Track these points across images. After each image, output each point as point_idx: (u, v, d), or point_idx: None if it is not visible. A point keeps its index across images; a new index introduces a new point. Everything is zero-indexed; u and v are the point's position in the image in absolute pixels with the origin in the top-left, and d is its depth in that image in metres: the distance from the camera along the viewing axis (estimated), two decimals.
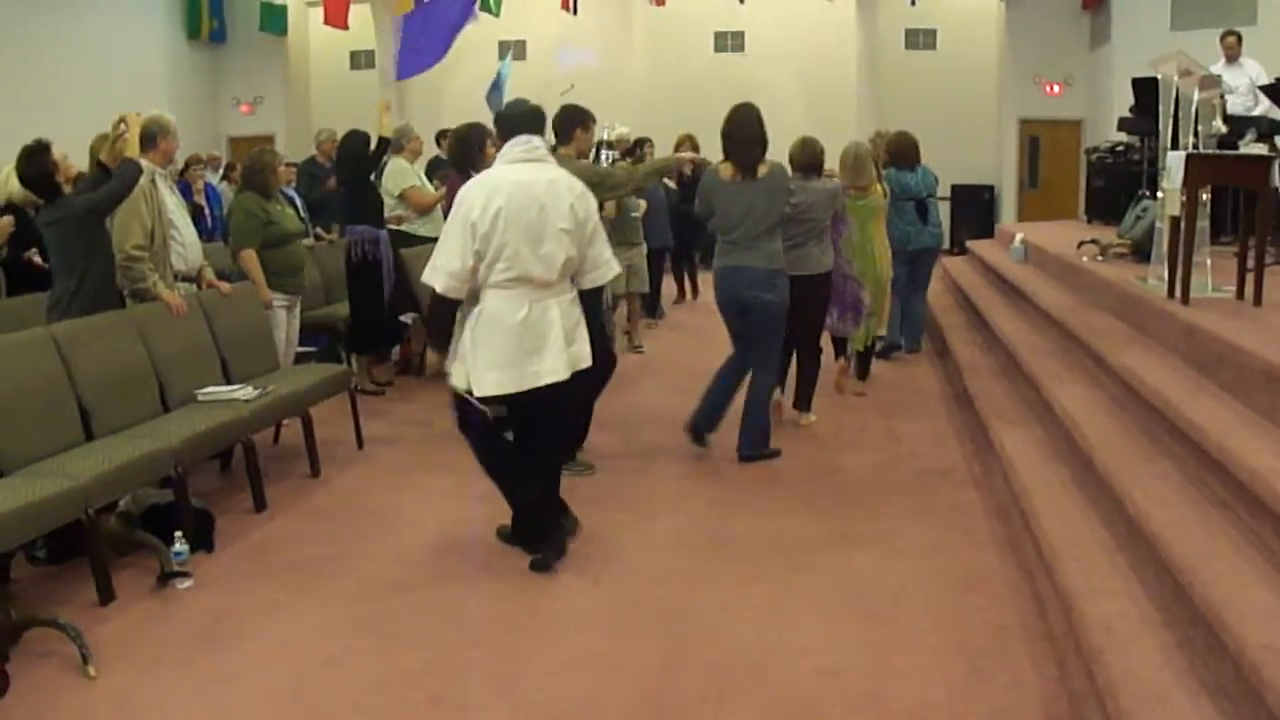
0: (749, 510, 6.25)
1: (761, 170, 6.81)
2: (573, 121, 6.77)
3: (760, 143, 6.82)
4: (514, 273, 5.14)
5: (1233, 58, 10.79)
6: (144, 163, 6.83)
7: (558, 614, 4.95)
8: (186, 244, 7.31)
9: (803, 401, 8.00)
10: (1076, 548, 4.65)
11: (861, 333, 8.55)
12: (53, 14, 16.91)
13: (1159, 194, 7.40)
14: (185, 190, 12.09)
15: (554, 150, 6.23)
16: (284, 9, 19.92)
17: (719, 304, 7.15)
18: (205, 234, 11.45)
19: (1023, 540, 5.33)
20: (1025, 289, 9.51)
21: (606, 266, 5.56)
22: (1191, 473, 4.69)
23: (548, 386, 5.25)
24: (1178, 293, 6.42)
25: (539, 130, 5.46)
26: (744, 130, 6.82)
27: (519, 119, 5.42)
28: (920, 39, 20.78)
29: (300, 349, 8.72)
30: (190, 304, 6.99)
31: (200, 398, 6.60)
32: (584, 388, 5.81)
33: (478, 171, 5.82)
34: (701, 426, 7.20)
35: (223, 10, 20.82)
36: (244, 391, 6.67)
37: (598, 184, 6.10)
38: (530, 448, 5.59)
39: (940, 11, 20.12)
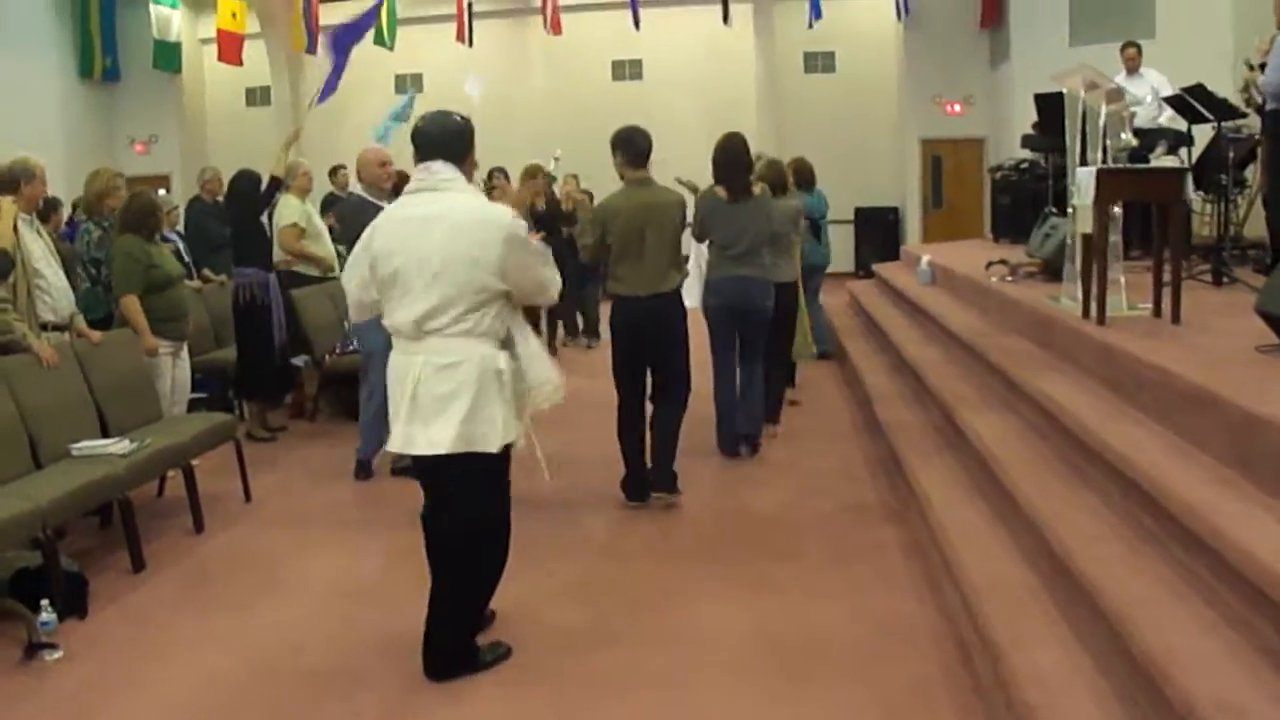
0: (650, 555, 5.95)
1: (755, 191, 7.55)
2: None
3: (749, 168, 7.61)
4: (389, 319, 4.45)
5: (1133, 69, 10.74)
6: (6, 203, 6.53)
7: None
8: (54, 292, 6.88)
9: (771, 411, 8.25)
10: (1001, 590, 4.38)
11: (800, 341, 8.79)
12: None
13: (1068, 210, 7.24)
14: (72, 234, 11.63)
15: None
16: (178, 46, 19.50)
17: (716, 309, 7.56)
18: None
19: (943, 582, 5.06)
20: (933, 312, 9.34)
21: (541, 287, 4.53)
22: (1118, 505, 4.46)
23: (421, 459, 4.47)
24: (1093, 312, 6.23)
25: (451, 155, 4.44)
26: (735, 158, 7.49)
27: (428, 139, 4.47)
28: (819, 62, 20.85)
29: (193, 395, 8.33)
30: (63, 354, 6.58)
31: (74, 453, 6.20)
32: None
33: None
34: (735, 442, 7.78)
35: (116, 48, 20.50)
36: (119, 445, 6.28)
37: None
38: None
39: (838, 34, 20.09)
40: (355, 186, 11.58)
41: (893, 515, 6.38)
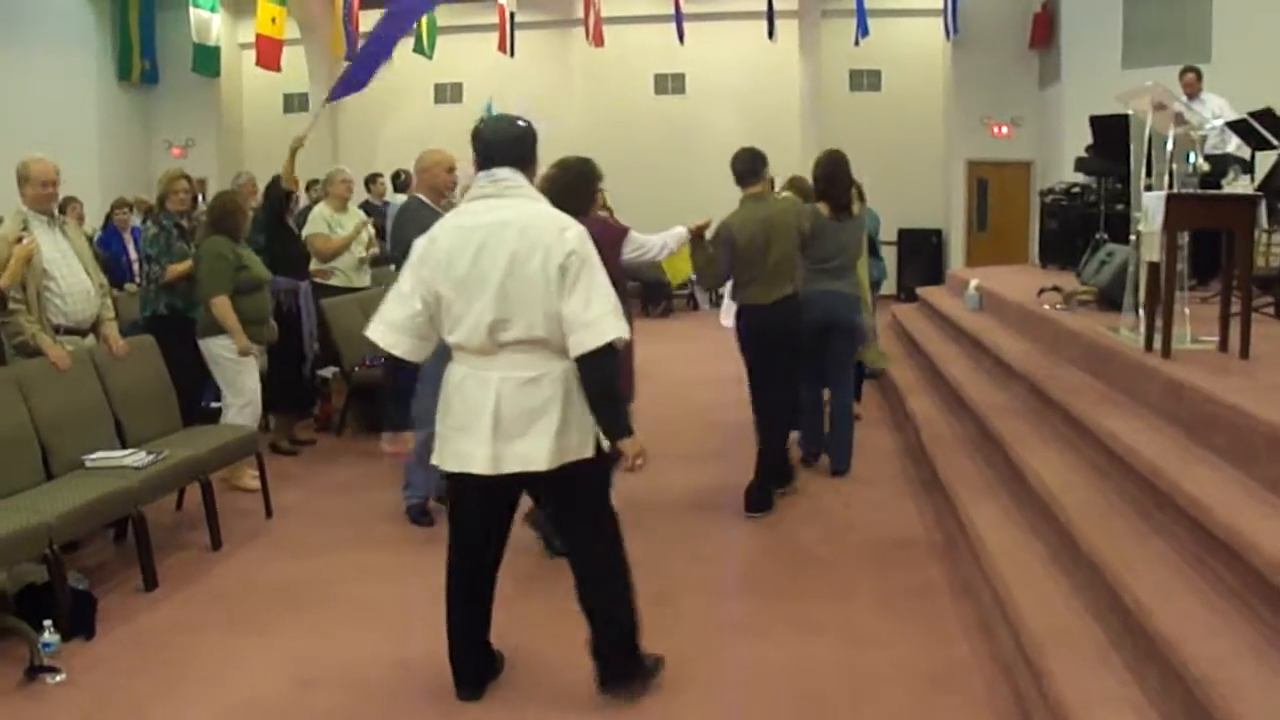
0: (691, 589, 5.62)
1: (855, 209, 7.55)
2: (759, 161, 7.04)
3: (850, 184, 7.50)
4: (451, 337, 4.17)
5: (1193, 95, 10.39)
6: (22, 207, 6.46)
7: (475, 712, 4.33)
8: (66, 294, 6.62)
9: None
10: (1064, 643, 4.06)
11: (874, 351, 8.67)
12: None
13: (1131, 237, 6.92)
14: (113, 235, 11.48)
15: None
16: (217, 51, 19.41)
17: (806, 325, 7.19)
18: (127, 279, 10.88)
19: (997, 627, 4.73)
20: (983, 339, 9.00)
21: (585, 330, 4.02)
22: (1191, 554, 4.14)
23: (479, 477, 4.14)
24: (1157, 344, 5.91)
25: (517, 159, 4.21)
26: (839, 176, 7.48)
27: (490, 145, 4.21)
28: (865, 80, 20.55)
29: (217, 404, 8.06)
30: (82, 360, 6.39)
31: (88, 464, 5.99)
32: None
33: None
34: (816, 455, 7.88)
35: (154, 52, 20.64)
36: (135, 458, 6.06)
37: None
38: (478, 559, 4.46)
39: (885, 52, 19.80)
40: (383, 194, 11.39)
41: (942, 553, 6.05)
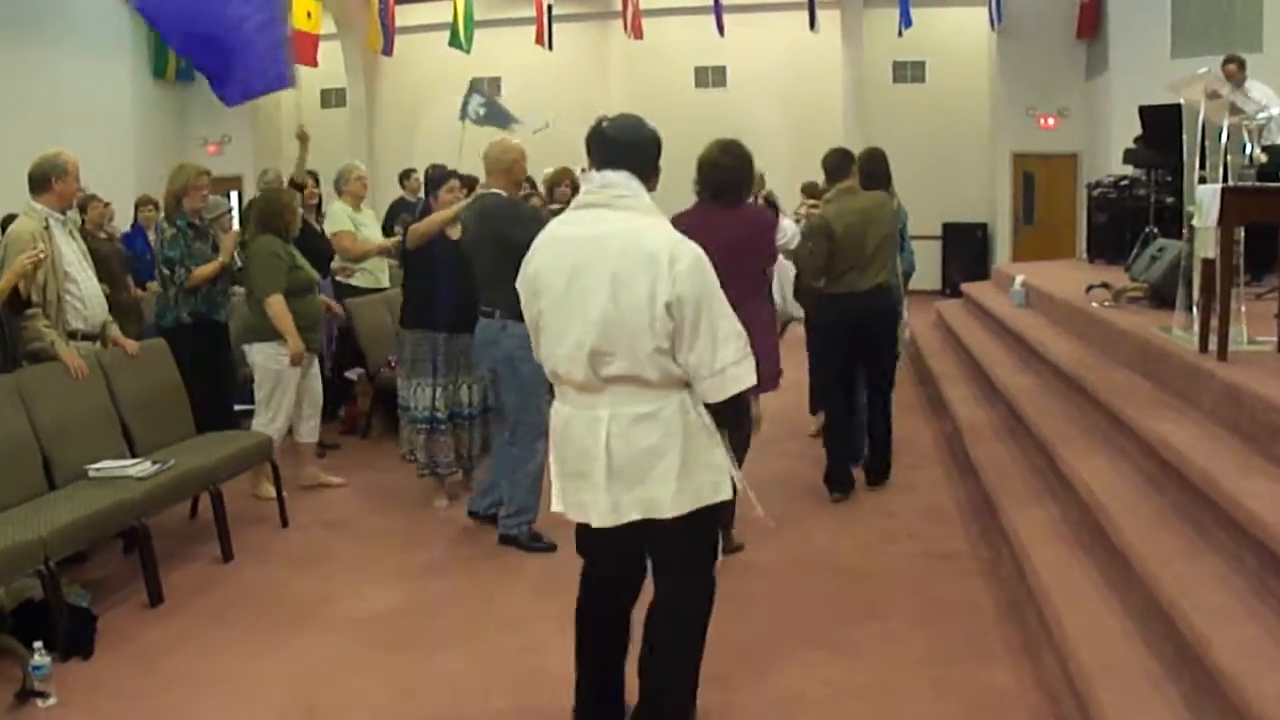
0: (721, 608, 5.30)
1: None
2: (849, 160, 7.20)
3: (889, 182, 7.48)
4: (549, 363, 3.72)
5: (1236, 85, 9.99)
6: (37, 206, 6.22)
7: None
8: (86, 298, 6.46)
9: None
10: (1115, 672, 3.75)
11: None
12: (20, 50, 16.83)
13: (1184, 231, 6.58)
14: (138, 234, 11.28)
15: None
16: None
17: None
18: (149, 277, 10.70)
19: (1043, 652, 4.42)
20: (1029, 338, 8.66)
21: (712, 381, 3.54)
22: (1253, 576, 3.81)
23: (606, 532, 3.69)
24: (1212, 345, 5.56)
25: (635, 165, 3.68)
26: (880, 174, 7.41)
27: (606, 146, 3.72)
28: (909, 71, 20.19)
29: (242, 407, 7.89)
30: (89, 366, 6.17)
31: (91, 474, 5.78)
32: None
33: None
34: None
35: None
36: (139, 467, 5.85)
37: None
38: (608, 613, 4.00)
39: (929, 43, 19.43)
40: (417, 190, 11.13)
41: (985, 567, 5.74)
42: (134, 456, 6.13)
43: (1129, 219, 11.25)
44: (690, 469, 3.58)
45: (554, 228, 3.75)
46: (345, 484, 7.57)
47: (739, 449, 4.81)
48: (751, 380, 3.58)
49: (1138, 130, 11.39)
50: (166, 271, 7.33)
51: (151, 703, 4.52)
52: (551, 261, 3.63)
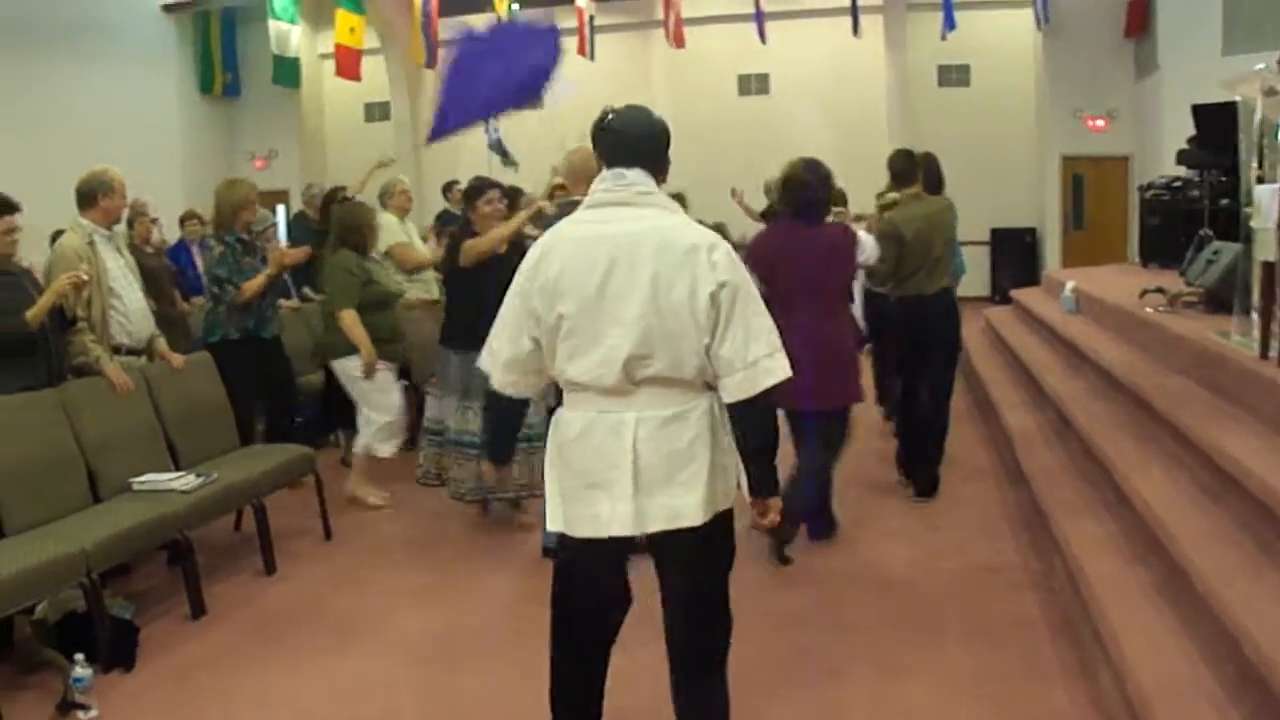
0: (765, 622, 5.16)
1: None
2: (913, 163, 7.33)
3: (941, 186, 7.60)
4: (569, 372, 3.47)
5: None
6: (83, 222, 6.28)
7: None
8: (130, 313, 6.49)
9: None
10: (1175, 694, 3.62)
11: None
12: (68, 65, 17.37)
13: (1241, 233, 6.42)
14: (181, 248, 11.30)
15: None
16: (297, 62, 19.37)
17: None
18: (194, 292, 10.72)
19: (1100, 671, 4.29)
20: (1080, 344, 8.49)
21: (747, 373, 3.37)
22: None
23: (614, 540, 3.48)
24: (1273, 352, 5.40)
25: (649, 160, 3.51)
26: (935, 173, 7.54)
27: (619, 140, 3.52)
28: (953, 75, 20.00)
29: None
30: (134, 380, 6.20)
31: (135, 487, 5.80)
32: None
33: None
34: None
35: (236, 64, 20.95)
36: (182, 481, 5.86)
37: None
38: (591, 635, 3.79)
39: (973, 45, 19.22)
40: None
41: (1037, 581, 5.59)
42: (178, 470, 6.13)
43: (1183, 221, 10.99)
44: (714, 475, 3.43)
45: (565, 229, 3.51)
46: (388, 505, 7.52)
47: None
48: (784, 374, 3.39)
49: (1190, 130, 11.18)
50: (216, 290, 7.32)
51: (190, 716, 4.51)
52: (577, 264, 3.38)
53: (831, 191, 6.26)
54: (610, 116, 3.53)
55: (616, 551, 3.55)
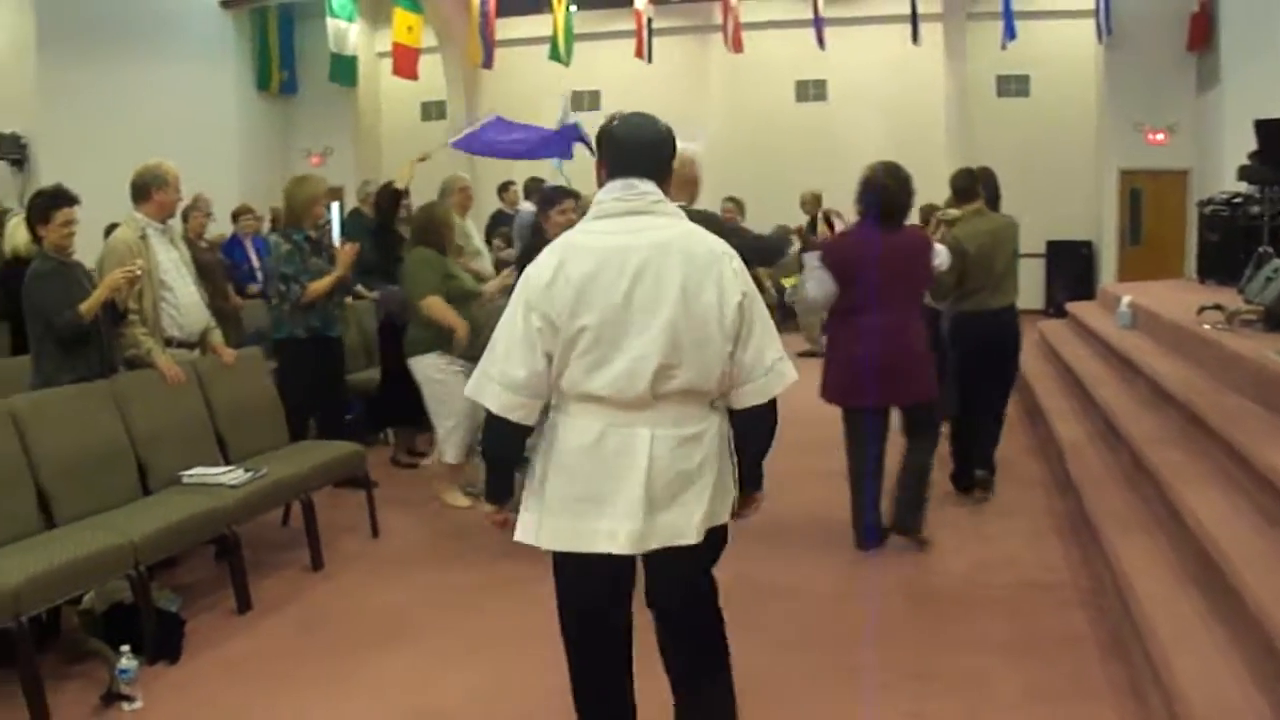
0: (802, 629, 5.19)
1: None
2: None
3: (998, 199, 7.72)
4: (587, 384, 3.32)
5: None
6: (137, 216, 6.34)
7: None
8: (182, 306, 6.55)
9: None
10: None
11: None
12: (125, 61, 17.74)
13: None
14: (235, 243, 11.39)
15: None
16: (354, 60, 19.45)
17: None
18: (249, 284, 10.81)
19: (1150, 694, 4.20)
20: (1136, 360, 8.39)
21: (766, 378, 3.37)
22: None
23: (611, 558, 3.36)
24: None
25: (655, 170, 3.42)
26: (994, 188, 7.65)
27: (627, 148, 3.43)
28: (1013, 85, 19.84)
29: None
30: (185, 373, 6.25)
31: (184, 480, 5.84)
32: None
33: None
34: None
35: (293, 62, 21.01)
36: (232, 475, 5.89)
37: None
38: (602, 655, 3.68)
39: (1034, 56, 19.07)
40: (515, 203, 11.09)
41: (1086, 598, 5.50)
42: (227, 464, 6.17)
43: (1243, 238, 10.88)
44: (716, 493, 3.38)
45: (577, 239, 3.37)
46: (467, 506, 7.36)
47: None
48: (794, 377, 3.42)
49: (1252, 145, 11.06)
50: (282, 288, 7.38)
51: (232, 710, 4.54)
52: (600, 274, 3.25)
53: (912, 196, 6.24)
54: (615, 123, 3.46)
55: (621, 571, 3.48)
